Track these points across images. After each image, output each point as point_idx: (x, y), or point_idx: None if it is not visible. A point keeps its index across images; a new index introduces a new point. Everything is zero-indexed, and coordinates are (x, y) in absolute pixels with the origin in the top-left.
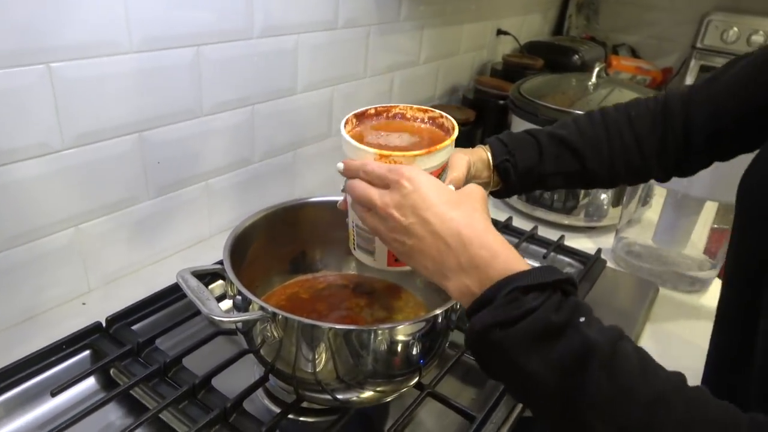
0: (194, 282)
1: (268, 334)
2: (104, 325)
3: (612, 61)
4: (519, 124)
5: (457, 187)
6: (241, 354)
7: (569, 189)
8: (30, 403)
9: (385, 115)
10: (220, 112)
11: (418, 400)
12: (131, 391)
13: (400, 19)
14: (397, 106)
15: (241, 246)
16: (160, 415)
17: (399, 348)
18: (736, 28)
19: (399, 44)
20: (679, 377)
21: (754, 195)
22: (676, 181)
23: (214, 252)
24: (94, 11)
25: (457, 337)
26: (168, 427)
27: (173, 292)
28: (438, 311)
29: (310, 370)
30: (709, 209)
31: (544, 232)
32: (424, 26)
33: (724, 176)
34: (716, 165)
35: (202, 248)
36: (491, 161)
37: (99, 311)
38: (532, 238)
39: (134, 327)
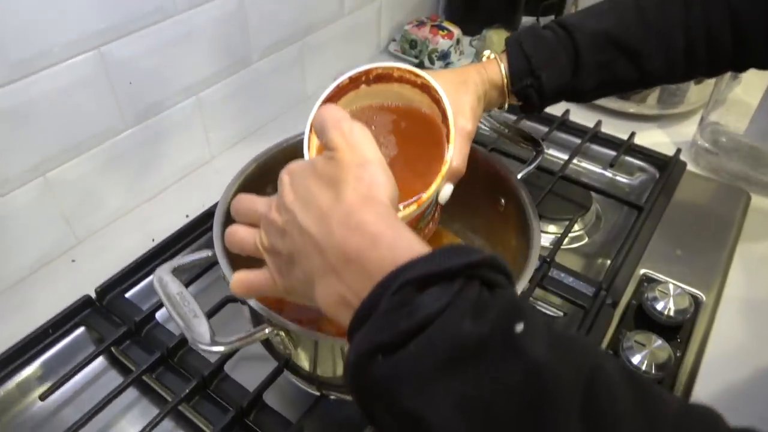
0: (175, 287)
1: (281, 346)
2: (94, 297)
3: None
4: None
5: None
6: None
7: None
8: (27, 393)
9: (364, 80)
10: (199, 5)
11: None
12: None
13: None
14: (378, 66)
15: None
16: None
17: None
18: None
19: None
20: (707, 417)
21: None
22: None
23: (217, 177)
24: None
25: None
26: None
27: (168, 248)
28: None
29: (331, 375)
30: None
31: (609, 127)
32: None
33: None
34: None
35: (203, 173)
36: (508, 85)
37: (90, 268)
38: (596, 137)
39: (128, 294)
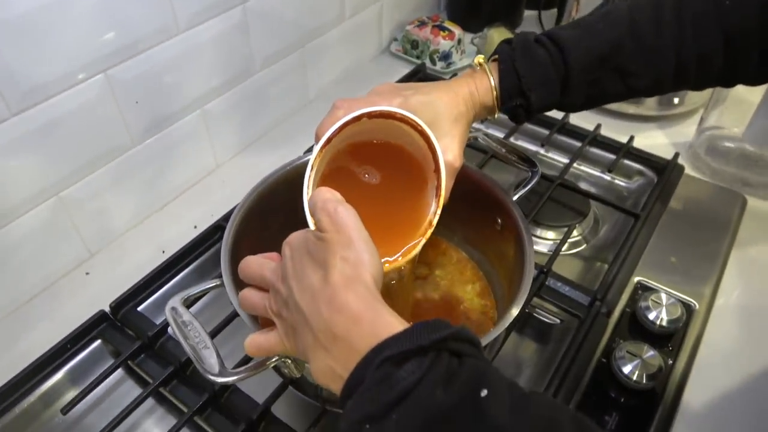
0: (187, 316)
1: (286, 370)
2: (109, 311)
3: None
4: None
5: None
6: None
7: None
8: (49, 406)
9: (366, 116)
10: (201, 22)
11: None
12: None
13: None
14: (383, 109)
15: (246, 227)
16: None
17: None
18: None
19: None
20: None
21: None
22: None
23: (223, 186)
24: None
25: None
26: (200, 429)
27: (178, 262)
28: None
29: (334, 394)
30: None
31: (608, 129)
32: None
33: None
34: None
35: (209, 183)
36: (497, 104)
37: (105, 280)
38: (595, 140)
39: (140, 308)
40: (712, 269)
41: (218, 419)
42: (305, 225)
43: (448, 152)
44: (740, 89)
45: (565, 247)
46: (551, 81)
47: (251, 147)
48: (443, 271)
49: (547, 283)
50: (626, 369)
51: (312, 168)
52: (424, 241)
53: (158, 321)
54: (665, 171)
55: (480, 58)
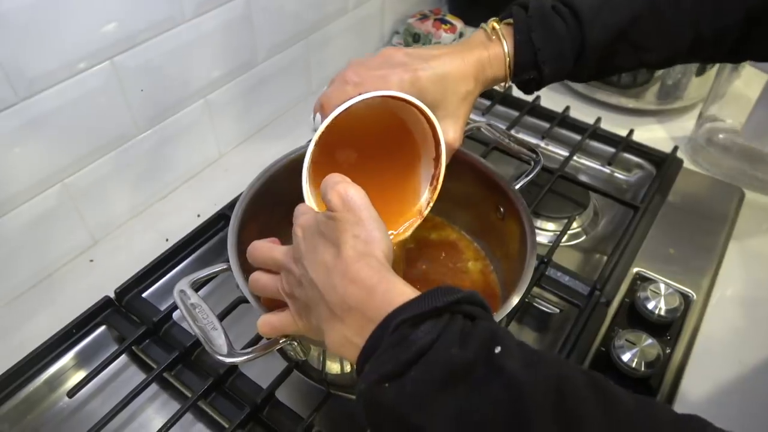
0: (195, 299)
1: (292, 353)
2: (113, 297)
3: None
4: None
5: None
6: None
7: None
8: (55, 389)
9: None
10: (207, 11)
11: None
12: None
13: None
14: (386, 94)
15: (252, 212)
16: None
17: None
18: None
19: None
20: (657, 408)
21: None
22: None
23: (226, 175)
24: None
25: None
26: (205, 416)
27: (182, 249)
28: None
29: (339, 375)
30: None
31: (608, 122)
32: None
33: None
34: None
35: (212, 172)
36: (509, 78)
37: (109, 267)
38: (595, 134)
39: (145, 294)
40: (710, 261)
41: (223, 403)
42: None
43: (450, 132)
44: (739, 85)
45: (564, 239)
46: (566, 54)
47: (254, 137)
48: (445, 253)
49: (547, 272)
50: (625, 357)
51: (315, 144)
52: (419, 221)
53: (162, 307)
54: (664, 164)
55: (494, 22)
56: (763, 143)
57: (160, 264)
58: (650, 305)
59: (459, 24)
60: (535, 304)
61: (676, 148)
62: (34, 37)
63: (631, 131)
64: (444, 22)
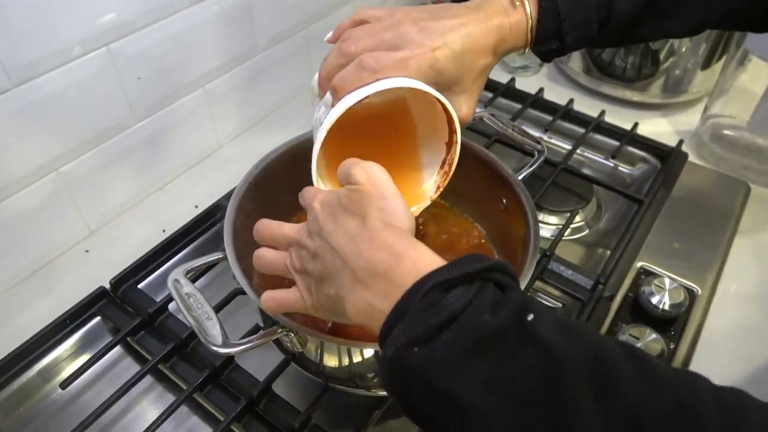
0: (189, 289)
1: (289, 344)
2: (109, 288)
3: None
4: None
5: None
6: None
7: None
8: (48, 381)
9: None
10: None
11: None
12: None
13: None
14: (402, 85)
15: (249, 201)
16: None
17: None
18: None
19: None
20: (695, 378)
21: None
22: None
23: (225, 166)
24: None
25: None
26: (201, 409)
27: (179, 240)
28: None
29: (336, 369)
30: None
31: (612, 116)
32: None
33: None
34: None
35: (210, 163)
36: (530, 45)
37: (105, 258)
38: (599, 127)
39: (141, 285)
40: (715, 255)
41: (218, 396)
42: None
43: (464, 107)
44: (744, 79)
45: (567, 233)
46: (591, 24)
47: (253, 128)
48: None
49: (549, 266)
50: None
51: (328, 130)
52: (427, 203)
53: (158, 298)
54: (669, 158)
55: None
56: None
57: (157, 254)
58: (654, 300)
59: None
60: (538, 298)
61: (681, 142)
62: (29, 22)
63: (636, 124)
64: None
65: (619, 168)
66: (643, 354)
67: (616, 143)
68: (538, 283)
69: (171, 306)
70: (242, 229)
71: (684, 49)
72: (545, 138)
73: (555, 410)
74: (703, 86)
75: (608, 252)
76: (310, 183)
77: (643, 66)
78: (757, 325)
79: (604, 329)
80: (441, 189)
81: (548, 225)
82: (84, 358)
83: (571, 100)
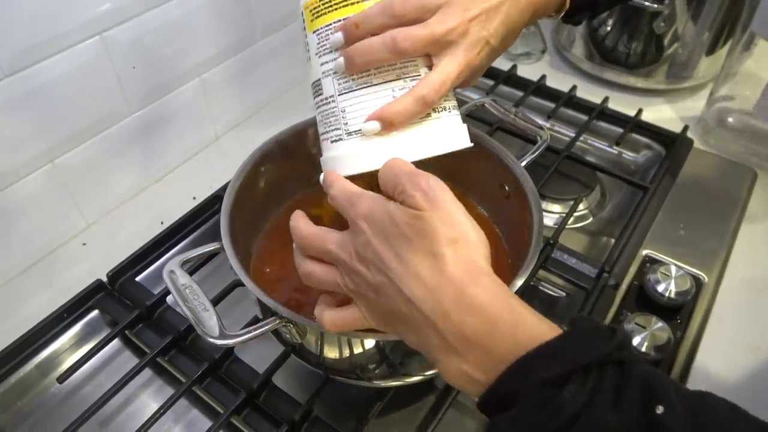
0: (185, 280)
1: (288, 336)
2: (106, 280)
3: None
4: None
5: None
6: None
7: None
8: (46, 375)
9: None
10: None
11: None
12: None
13: None
14: None
15: (244, 199)
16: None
17: None
18: None
19: None
20: None
21: None
22: None
23: (223, 158)
24: None
25: None
26: (200, 402)
27: (177, 232)
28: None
29: (337, 360)
30: None
31: (616, 102)
32: None
33: None
34: None
35: (208, 154)
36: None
37: (102, 251)
38: (603, 114)
39: (139, 278)
40: (722, 243)
41: (218, 389)
42: (309, 187)
43: (493, 39)
44: (751, 64)
45: (571, 221)
46: None
47: (251, 119)
48: None
49: (553, 255)
50: (635, 341)
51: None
52: None
53: (156, 291)
54: (674, 144)
55: None
56: None
57: (154, 247)
58: (660, 288)
59: None
60: (541, 288)
61: (686, 128)
62: (20, 9)
63: (640, 111)
64: None
65: (623, 155)
66: None
67: (620, 130)
68: (541, 273)
69: (169, 299)
70: (239, 218)
71: (688, 35)
72: (548, 125)
73: None
74: (709, 71)
75: (612, 240)
76: (309, 170)
77: (647, 52)
78: (765, 312)
79: (609, 318)
80: None
81: (551, 213)
82: (82, 352)
83: (574, 87)
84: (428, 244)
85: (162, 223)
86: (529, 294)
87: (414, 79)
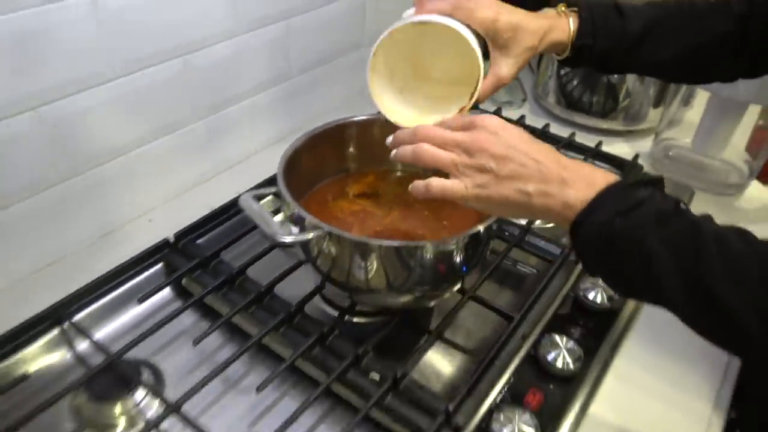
0: (256, 206)
1: (324, 249)
2: (172, 240)
3: None
4: None
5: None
6: (298, 264)
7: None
8: (116, 312)
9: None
10: (256, 29)
11: (460, 304)
12: (204, 300)
13: None
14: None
15: (293, 165)
16: (231, 320)
17: (444, 259)
18: None
19: None
20: None
21: None
22: (720, 84)
23: (261, 166)
24: None
25: (497, 244)
26: (239, 330)
27: (229, 209)
28: (483, 225)
29: (362, 279)
30: (752, 113)
31: (581, 138)
32: None
33: None
34: None
35: (250, 163)
36: (572, 36)
37: (164, 227)
38: (570, 144)
39: (199, 241)
40: None
41: (261, 314)
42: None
43: (505, 69)
44: (690, 113)
45: (538, 222)
46: (615, 30)
47: (285, 140)
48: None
49: (526, 238)
50: (590, 295)
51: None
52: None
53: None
54: (626, 167)
55: (562, 5)
56: (709, 151)
57: (209, 219)
58: None
59: None
60: (518, 267)
61: (636, 156)
62: (132, 27)
63: (600, 142)
64: None
65: None
66: (742, 230)
67: (583, 157)
68: (517, 252)
69: (223, 254)
70: (291, 171)
71: (637, 91)
72: None
73: (698, 253)
74: (656, 117)
75: None
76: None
77: (606, 102)
78: None
79: (570, 281)
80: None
81: None
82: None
83: (547, 125)
84: (528, 136)
85: (213, 208)
86: (504, 273)
87: None
